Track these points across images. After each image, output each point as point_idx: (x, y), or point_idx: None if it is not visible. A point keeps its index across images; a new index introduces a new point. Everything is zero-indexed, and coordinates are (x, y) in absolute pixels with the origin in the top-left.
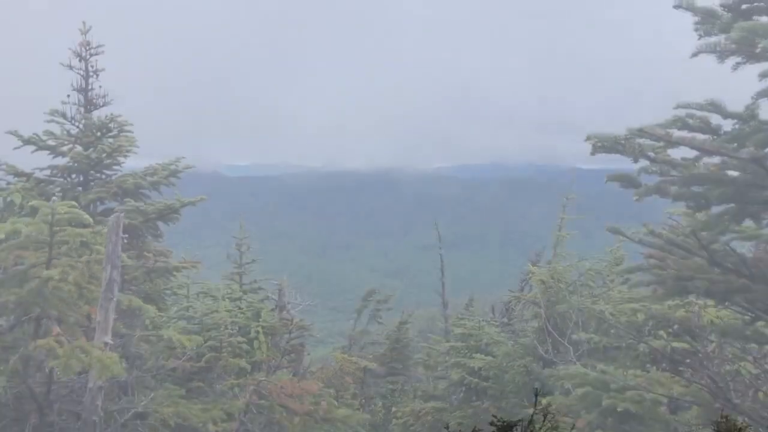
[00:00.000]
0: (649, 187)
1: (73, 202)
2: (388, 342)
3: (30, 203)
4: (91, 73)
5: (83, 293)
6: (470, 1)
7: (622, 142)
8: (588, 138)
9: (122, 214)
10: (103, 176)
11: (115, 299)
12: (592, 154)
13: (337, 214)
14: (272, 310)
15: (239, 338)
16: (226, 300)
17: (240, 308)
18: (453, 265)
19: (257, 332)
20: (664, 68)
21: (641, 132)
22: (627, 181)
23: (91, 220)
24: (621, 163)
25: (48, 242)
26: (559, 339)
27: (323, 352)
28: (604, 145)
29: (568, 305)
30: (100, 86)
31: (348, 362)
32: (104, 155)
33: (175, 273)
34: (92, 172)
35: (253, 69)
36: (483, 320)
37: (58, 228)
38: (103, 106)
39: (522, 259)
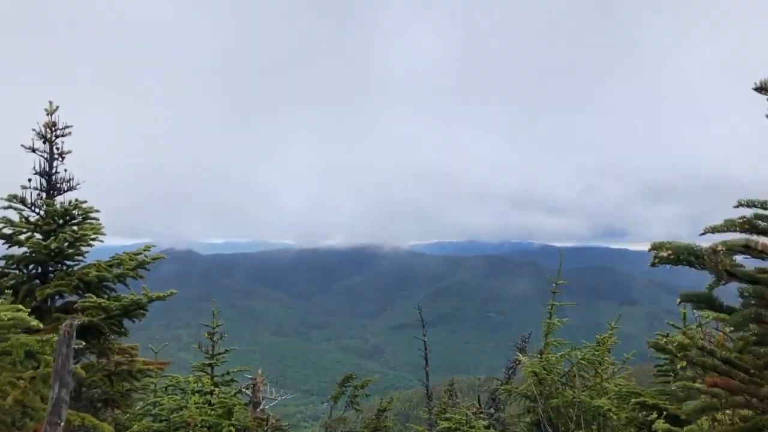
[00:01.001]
0: (745, 315)
1: (19, 306)
2: (367, 431)
3: None
4: (56, 156)
5: (27, 412)
6: (445, 79)
7: (705, 254)
8: (654, 247)
9: (75, 322)
10: (65, 267)
11: (62, 423)
12: (654, 264)
13: (312, 292)
14: (246, 405)
15: None
16: (196, 395)
17: (211, 404)
18: (429, 343)
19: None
20: (644, 147)
21: (729, 244)
22: (705, 301)
23: (39, 324)
24: (591, 241)
25: None
26: None
27: None
28: (677, 256)
29: (563, 399)
30: (65, 169)
31: None
32: (66, 245)
33: (138, 376)
34: (52, 263)
35: (227, 146)
36: (470, 413)
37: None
38: (68, 190)
39: (498, 337)
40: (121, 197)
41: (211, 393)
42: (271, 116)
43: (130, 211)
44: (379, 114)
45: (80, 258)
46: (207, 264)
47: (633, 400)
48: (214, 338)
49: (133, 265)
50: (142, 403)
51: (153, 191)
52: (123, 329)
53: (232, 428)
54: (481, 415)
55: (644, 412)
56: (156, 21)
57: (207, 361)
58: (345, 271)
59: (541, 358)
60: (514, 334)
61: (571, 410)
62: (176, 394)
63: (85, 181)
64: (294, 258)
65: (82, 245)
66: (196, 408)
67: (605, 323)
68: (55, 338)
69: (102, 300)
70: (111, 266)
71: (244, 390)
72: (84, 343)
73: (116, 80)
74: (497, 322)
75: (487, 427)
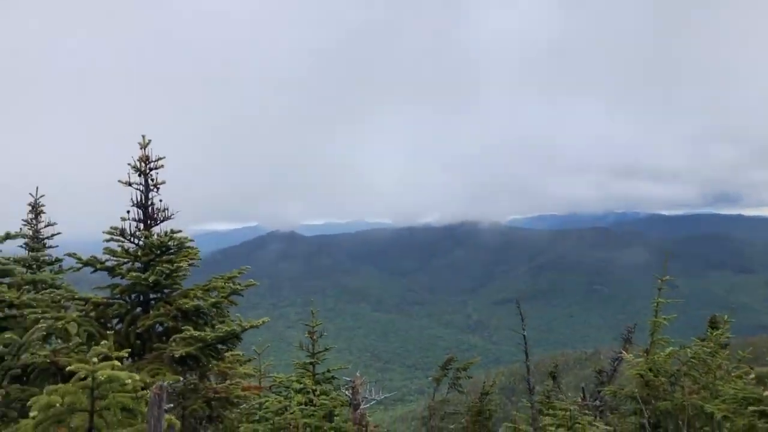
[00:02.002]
0: None
1: (116, 362)
2: (471, 413)
3: (85, 332)
4: (150, 187)
5: None
6: (542, 48)
7: None
8: None
9: (165, 384)
10: (164, 295)
11: None
12: None
13: (411, 270)
14: (346, 404)
15: None
16: (299, 395)
17: (312, 404)
18: (530, 318)
19: None
20: (759, 106)
21: None
22: None
23: (137, 378)
24: (702, 208)
25: (88, 411)
26: None
27: (402, 411)
28: None
29: (672, 403)
30: (160, 200)
31: None
32: (163, 277)
33: (236, 402)
34: (152, 292)
35: (326, 129)
36: (575, 406)
37: (98, 395)
38: (163, 220)
39: (605, 311)
40: (228, 183)
41: (313, 392)
42: (367, 97)
43: (239, 196)
44: (475, 87)
45: (177, 286)
46: (309, 245)
47: (751, 407)
48: (314, 337)
49: (227, 292)
50: (246, 405)
51: (257, 177)
52: (220, 355)
53: None
54: (586, 412)
55: (764, 420)
56: (248, 5)
57: (308, 360)
58: (443, 248)
59: (647, 358)
60: (622, 307)
61: (681, 414)
62: (280, 393)
63: (179, 211)
64: (392, 236)
65: (178, 276)
66: (299, 409)
67: (719, 293)
68: (149, 395)
69: (198, 333)
70: (207, 290)
71: (343, 390)
72: (181, 379)
73: (216, 67)
74: (603, 295)
75: (591, 423)
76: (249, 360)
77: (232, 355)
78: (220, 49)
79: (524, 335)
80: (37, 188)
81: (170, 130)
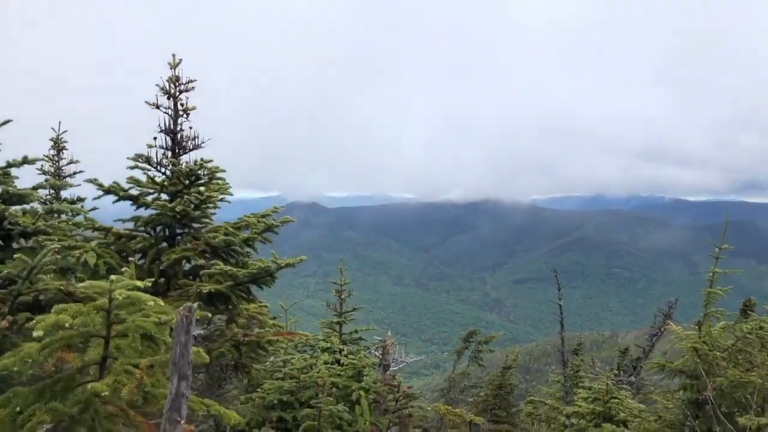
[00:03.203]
0: None
1: (136, 282)
2: (491, 387)
3: (105, 264)
4: (180, 113)
5: (149, 398)
6: (573, 25)
7: None
8: None
9: (194, 306)
10: (192, 230)
11: (182, 421)
12: None
13: (432, 245)
14: (375, 366)
15: (340, 407)
16: (325, 353)
17: (340, 363)
18: (549, 298)
19: (359, 396)
20: None
21: None
22: None
23: (161, 303)
24: (728, 195)
25: (103, 336)
26: (725, 421)
27: (418, 383)
28: None
29: (728, 379)
30: (191, 127)
31: (453, 415)
32: (191, 207)
33: (266, 347)
34: (179, 225)
35: (350, 100)
36: (610, 380)
37: (115, 319)
38: (193, 149)
39: (624, 294)
40: (251, 152)
41: (340, 352)
42: (395, 68)
43: (261, 165)
44: (503, 63)
45: (207, 221)
46: (331, 216)
47: None
48: (342, 296)
49: (261, 228)
50: (272, 359)
51: (281, 146)
52: (251, 296)
53: (362, 392)
54: (623, 385)
55: None
56: None
57: (335, 320)
58: (464, 225)
59: (701, 331)
60: (641, 290)
61: (737, 391)
62: (306, 352)
63: (210, 139)
64: (414, 211)
65: (208, 207)
66: (326, 368)
67: (743, 281)
68: (174, 320)
69: (229, 267)
70: (239, 228)
71: (373, 351)
72: (210, 315)
73: (245, 30)
74: (623, 278)
75: (629, 398)
76: (274, 318)
77: (259, 306)
78: (245, 19)
79: (560, 305)
80: (59, 123)
81: (196, 97)
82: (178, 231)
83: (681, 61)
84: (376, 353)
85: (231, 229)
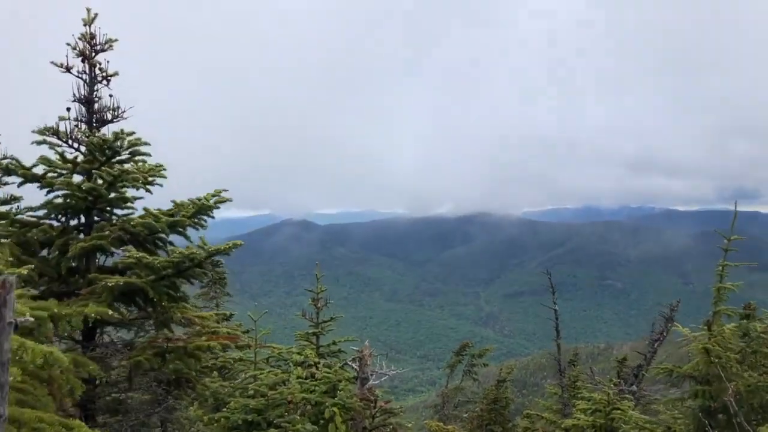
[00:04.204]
0: None
1: None
2: (486, 401)
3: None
4: (97, 79)
5: None
6: (555, 41)
7: None
8: None
9: (11, 278)
10: (113, 216)
11: (4, 416)
12: None
13: (424, 260)
14: (352, 380)
15: (308, 425)
16: (298, 368)
17: (314, 379)
18: (542, 312)
19: (333, 413)
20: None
21: None
22: None
23: None
24: (718, 204)
25: None
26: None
27: (413, 401)
28: None
29: (744, 383)
30: (111, 95)
31: None
32: (102, 185)
33: (198, 354)
34: (97, 211)
35: (340, 116)
36: (612, 392)
37: None
38: (114, 120)
39: (617, 305)
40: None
41: (316, 366)
42: (384, 84)
43: (251, 184)
44: (492, 75)
45: (130, 206)
46: (323, 233)
47: None
48: (319, 305)
49: (192, 211)
50: (244, 375)
51: (271, 164)
52: (180, 293)
53: (335, 409)
54: (625, 395)
55: None
56: None
57: (312, 331)
58: (457, 239)
59: (711, 331)
60: (635, 301)
61: (753, 396)
62: (279, 366)
63: (133, 107)
64: (406, 226)
65: (124, 185)
66: (299, 383)
67: (736, 292)
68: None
69: (143, 254)
70: (171, 215)
71: (350, 363)
72: (121, 315)
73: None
74: (616, 289)
75: (632, 409)
76: (247, 331)
77: (225, 323)
78: (231, 34)
79: (555, 309)
80: None
81: (183, 117)
82: (97, 219)
83: (670, 70)
84: (354, 365)
85: (154, 212)
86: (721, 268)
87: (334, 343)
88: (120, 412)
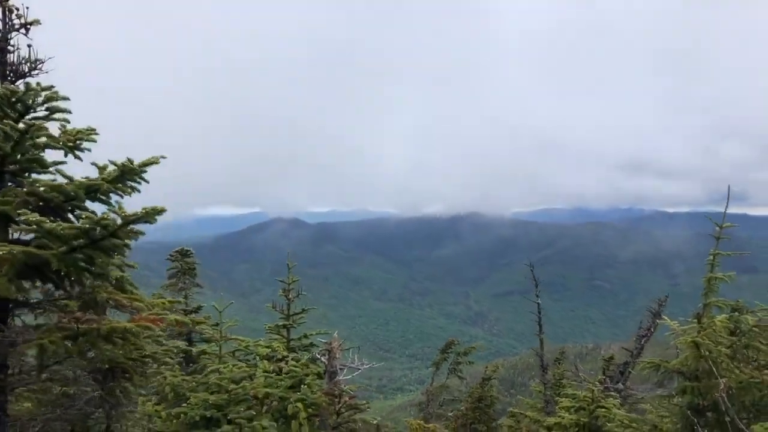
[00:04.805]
0: None
1: None
2: (470, 400)
3: None
4: (13, 25)
5: None
6: (545, 41)
7: None
8: None
9: None
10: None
11: None
12: None
13: (414, 259)
14: (321, 374)
15: (265, 422)
16: (265, 362)
17: (280, 374)
18: (531, 311)
19: (297, 409)
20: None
21: None
22: None
23: None
24: (710, 207)
25: None
26: (743, 429)
27: (401, 400)
28: None
29: (736, 380)
30: (29, 45)
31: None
32: (6, 143)
33: (114, 339)
34: (9, 175)
35: (330, 114)
36: (596, 389)
37: None
38: (31, 72)
39: (606, 306)
40: (231, 168)
41: (284, 359)
42: (375, 83)
43: (242, 181)
44: (483, 75)
45: (46, 171)
46: (313, 231)
47: None
48: (290, 296)
49: (115, 174)
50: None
51: (262, 162)
52: (101, 271)
53: (299, 404)
54: (610, 392)
55: None
56: None
57: (282, 323)
58: (447, 239)
59: (701, 324)
60: (623, 302)
61: (745, 394)
62: (248, 360)
63: (53, 58)
64: (396, 226)
65: (36, 145)
66: (264, 377)
67: (723, 292)
68: None
69: (44, 219)
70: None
71: (318, 357)
72: (21, 290)
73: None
74: (605, 290)
75: (618, 407)
76: (216, 324)
77: (193, 316)
78: (222, 31)
79: (538, 303)
80: None
81: (174, 114)
82: (11, 185)
83: (661, 71)
84: (323, 359)
85: (67, 174)
86: (712, 257)
87: (305, 336)
88: (43, 405)
